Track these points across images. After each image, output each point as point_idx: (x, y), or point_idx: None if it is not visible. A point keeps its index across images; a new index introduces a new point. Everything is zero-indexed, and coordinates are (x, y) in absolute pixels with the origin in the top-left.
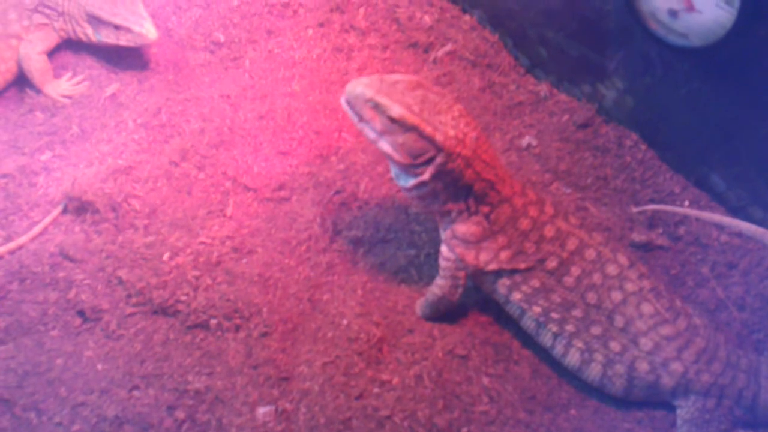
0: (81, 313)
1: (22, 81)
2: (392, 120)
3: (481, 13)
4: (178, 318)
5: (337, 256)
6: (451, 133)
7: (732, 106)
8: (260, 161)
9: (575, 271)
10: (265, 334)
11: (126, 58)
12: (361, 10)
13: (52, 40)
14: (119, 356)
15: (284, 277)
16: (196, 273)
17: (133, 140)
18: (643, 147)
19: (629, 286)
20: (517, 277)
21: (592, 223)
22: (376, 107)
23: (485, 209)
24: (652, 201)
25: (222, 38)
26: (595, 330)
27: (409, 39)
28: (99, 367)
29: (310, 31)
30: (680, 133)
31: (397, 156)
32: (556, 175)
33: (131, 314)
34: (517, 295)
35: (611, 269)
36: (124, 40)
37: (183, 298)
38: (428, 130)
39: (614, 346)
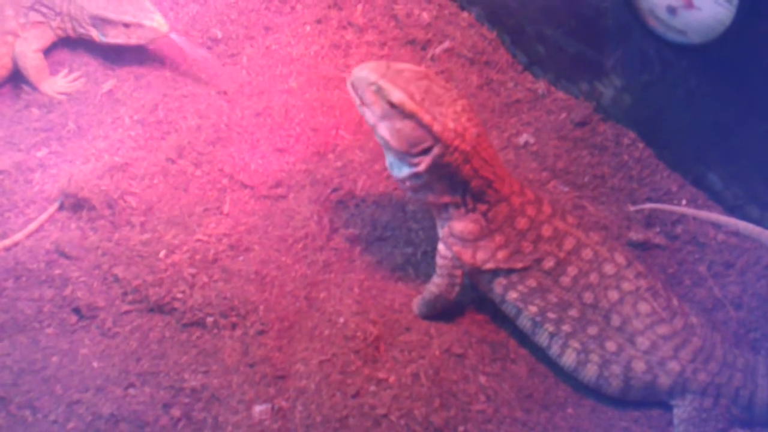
0: (77, 311)
1: (17, 77)
2: (392, 105)
3: (479, 10)
4: (174, 316)
5: (334, 254)
6: (451, 125)
7: (730, 104)
8: (257, 158)
9: (572, 270)
10: (261, 332)
11: (122, 55)
12: (359, 7)
13: (48, 38)
14: (115, 354)
15: (281, 275)
16: (193, 270)
17: (130, 137)
18: (641, 145)
19: (626, 286)
20: (514, 277)
21: (589, 222)
22: (379, 91)
23: (483, 207)
24: (649, 199)
25: (219, 34)
26: (592, 330)
27: (406, 36)
28: (94, 364)
29: (308, 28)
30: (678, 132)
31: (394, 142)
32: (554, 173)
33: (127, 312)
34: (513, 295)
35: (608, 268)
36: (134, 38)
37: (179, 295)
38: (426, 118)
39: (610, 346)
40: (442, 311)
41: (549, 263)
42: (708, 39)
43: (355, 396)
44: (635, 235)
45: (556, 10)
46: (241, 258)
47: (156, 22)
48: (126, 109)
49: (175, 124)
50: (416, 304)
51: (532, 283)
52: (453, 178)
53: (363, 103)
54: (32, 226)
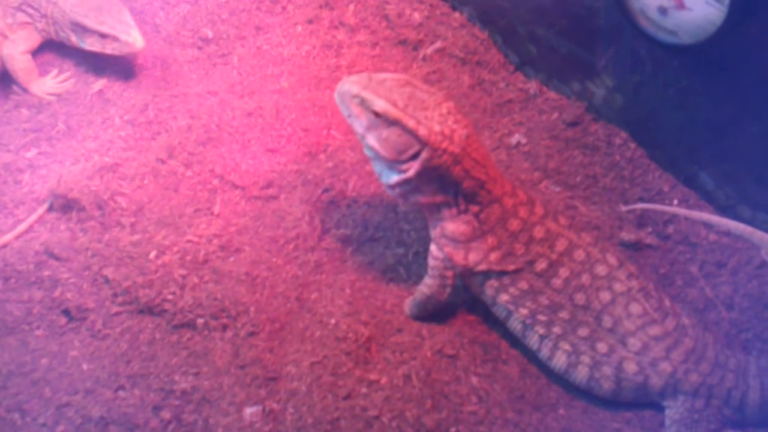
0: (66, 313)
1: (6, 77)
2: (376, 114)
3: (470, 11)
4: (164, 317)
5: (326, 254)
6: (437, 128)
7: (722, 105)
8: (248, 159)
9: (564, 272)
10: (252, 334)
11: (111, 55)
12: (351, 7)
13: (35, 39)
14: (105, 356)
15: (272, 276)
16: (183, 272)
17: (120, 137)
18: (633, 145)
19: (618, 287)
20: (506, 279)
21: (581, 222)
22: (362, 103)
23: (475, 209)
24: (641, 200)
25: (210, 34)
26: (583, 331)
27: (398, 36)
28: (84, 367)
29: (299, 28)
30: (670, 132)
31: (383, 151)
32: (546, 173)
33: (117, 313)
34: (504, 297)
35: (600, 270)
36: (109, 49)
37: (169, 297)
38: (411, 123)
39: (602, 347)
40: (434, 312)
41: (541, 265)
42: (699, 39)
43: (347, 398)
44: (627, 235)
45: (548, 10)
46: (231, 259)
47: (132, 37)
48: (116, 109)
49: (166, 124)
50: (408, 305)
51: (523, 285)
52: (444, 181)
53: (351, 116)
54: (21, 228)
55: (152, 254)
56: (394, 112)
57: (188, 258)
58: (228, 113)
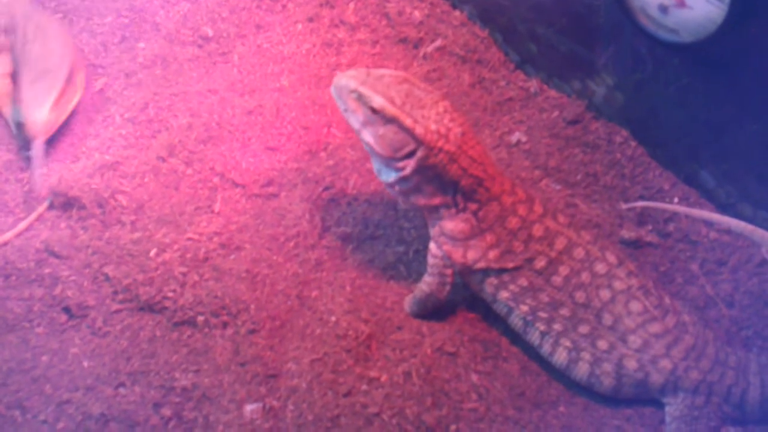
0: (67, 310)
1: None
2: (373, 111)
3: (471, 9)
4: (164, 315)
5: (326, 252)
6: (433, 127)
7: (722, 103)
8: (248, 157)
9: (564, 270)
10: (252, 331)
11: (113, 53)
12: (351, 5)
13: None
14: (105, 353)
15: (272, 274)
16: (184, 269)
17: (120, 135)
18: (633, 143)
19: (618, 285)
20: (505, 276)
21: (581, 220)
22: (359, 98)
23: (473, 206)
24: (641, 198)
25: (210, 33)
26: (583, 329)
27: (398, 34)
28: (85, 364)
29: (300, 26)
30: (670, 130)
31: (378, 148)
32: (546, 171)
33: (117, 311)
34: (504, 294)
35: (600, 268)
36: (13, 118)
37: (170, 294)
38: (408, 122)
39: (602, 344)
40: (434, 310)
41: (540, 263)
42: (700, 37)
43: (347, 395)
44: (627, 233)
45: (548, 8)
46: (232, 257)
47: (30, 119)
48: (116, 107)
49: (166, 122)
50: (408, 303)
51: (523, 282)
52: (442, 179)
53: (347, 110)
54: (22, 226)
55: (153, 252)
56: (391, 110)
57: (189, 256)
58: (228, 111)
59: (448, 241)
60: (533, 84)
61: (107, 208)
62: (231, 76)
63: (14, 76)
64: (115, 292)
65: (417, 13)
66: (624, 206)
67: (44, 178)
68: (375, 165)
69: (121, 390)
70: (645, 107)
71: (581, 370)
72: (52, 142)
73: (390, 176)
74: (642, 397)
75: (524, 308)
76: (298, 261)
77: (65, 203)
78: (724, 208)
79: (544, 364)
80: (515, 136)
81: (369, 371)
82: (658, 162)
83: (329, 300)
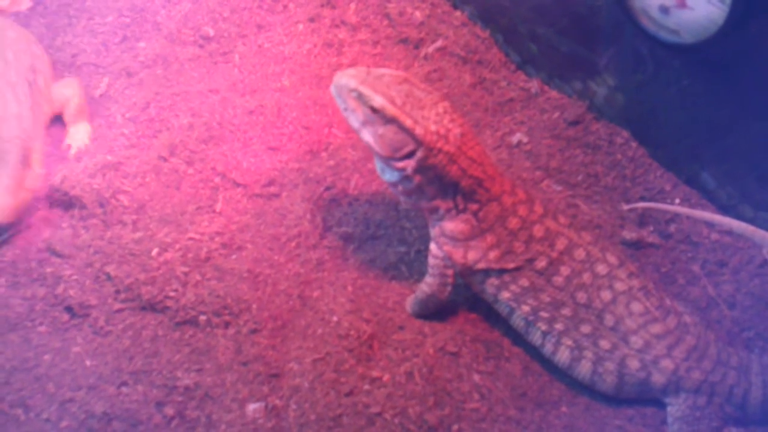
0: (69, 309)
1: None
2: (373, 110)
3: (472, 9)
4: (166, 314)
5: (327, 252)
6: (433, 128)
7: (723, 104)
8: (250, 157)
9: (565, 270)
10: (254, 331)
11: (114, 52)
12: (352, 6)
13: None
14: (107, 352)
15: (274, 274)
16: (185, 269)
17: (122, 135)
18: (634, 144)
19: (619, 286)
20: (506, 277)
21: (582, 221)
22: (359, 97)
23: (474, 207)
24: (642, 199)
25: (211, 33)
26: (585, 328)
27: (399, 35)
28: (87, 363)
29: (301, 26)
30: (671, 131)
31: (377, 147)
32: (547, 172)
33: (119, 310)
34: (505, 294)
35: (600, 268)
36: None
37: (172, 294)
38: (408, 122)
39: (604, 344)
40: (435, 311)
41: (541, 263)
42: (701, 38)
43: (349, 394)
44: (629, 234)
45: (549, 9)
46: (233, 256)
47: None
48: (117, 106)
49: (167, 122)
50: (409, 303)
51: (524, 282)
52: (442, 180)
53: (347, 109)
54: None
55: (154, 251)
56: (391, 110)
57: (190, 255)
58: (229, 111)
59: (449, 241)
60: (534, 85)
61: (108, 208)
62: (232, 75)
63: None
64: (117, 292)
65: (418, 14)
66: (625, 207)
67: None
68: (377, 165)
69: (124, 389)
70: (646, 108)
71: (584, 369)
72: (53, 141)
73: (392, 176)
74: (644, 397)
75: (526, 308)
76: (299, 261)
77: (67, 203)
78: (725, 210)
79: (546, 364)
80: (516, 137)
81: (371, 371)
82: (659, 163)
83: (331, 300)
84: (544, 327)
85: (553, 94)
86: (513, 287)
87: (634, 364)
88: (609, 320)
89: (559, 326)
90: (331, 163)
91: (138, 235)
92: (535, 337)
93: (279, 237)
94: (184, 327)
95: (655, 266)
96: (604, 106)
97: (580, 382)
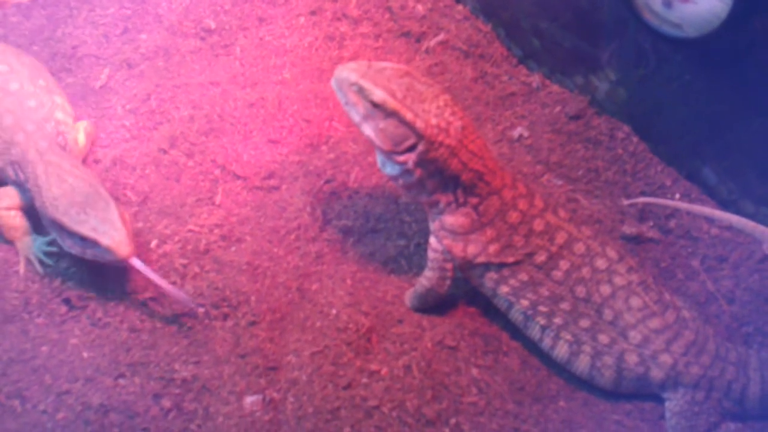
0: (67, 301)
1: None
2: (374, 104)
3: (474, 3)
4: (164, 306)
5: (327, 245)
6: (434, 121)
7: (725, 99)
8: (250, 149)
9: (564, 265)
10: (253, 323)
11: (115, 44)
12: None
13: (19, 201)
14: (105, 344)
15: (273, 266)
16: (184, 261)
17: (123, 127)
18: (635, 139)
19: (618, 280)
20: (505, 271)
21: (582, 216)
22: (360, 91)
23: (474, 201)
24: (643, 193)
25: (213, 25)
26: (584, 323)
27: (401, 28)
28: (84, 354)
29: (302, 19)
30: (673, 126)
31: (378, 141)
32: (548, 166)
33: (117, 302)
34: (504, 289)
35: (600, 263)
36: (90, 254)
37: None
38: (408, 116)
39: (603, 338)
40: (434, 304)
41: (541, 257)
42: (704, 33)
43: (347, 387)
44: (629, 229)
45: (552, 3)
46: (233, 249)
47: (114, 242)
48: (118, 98)
49: (168, 114)
50: (408, 297)
51: (523, 277)
52: (442, 173)
53: (347, 103)
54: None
55: (153, 243)
56: (392, 104)
57: (189, 247)
58: (230, 104)
59: (449, 235)
60: (536, 79)
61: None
62: (233, 68)
63: (50, 215)
64: (116, 284)
65: (420, 7)
66: (625, 202)
67: (176, 289)
68: (379, 159)
69: (121, 381)
70: (647, 103)
71: (582, 363)
72: None
73: (393, 170)
74: (642, 392)
75: (524, 303)
76: (298, 254)
77: None
78: (725, 205)
79: (545, 358)
80: (517, 131)
81: (369, 364)
82: (659, 158)
83: (330, 293)
84: (542, 321)
85: (555, 88)
86: (512, 281)
87: (632, 358)
88: (608, 315)
89: (557, 320)
90: (332, 156)
91: (138, 226)
92: (534, 332)
93: (278, 230)
94: (182, 319)
95: (654, 261)
96: (606, 101)
97: (578, 377)
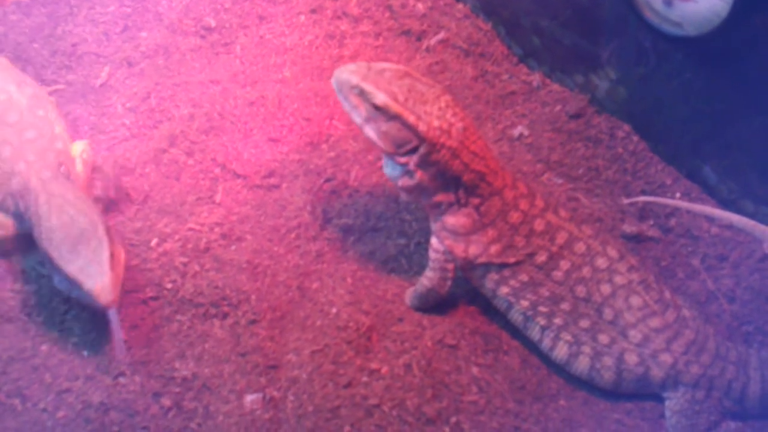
0: (67, 300)
1: None
2: (376, 108)
3: (474, 2)
4: (164, 305)
5: (327, 244)
6: (436, 123)
7: (725, 98)
8: (250, 148)
9: (564, 265)
10: (253, 322)
11: (115, 42)
12: None
13: (8, 229)
14: (105, 343)
15: (273, 265)
16: (184, 259)
17: (122, 125)
18: (636, 138)
19: (618, 279)
20: (506, 272)
21: (582, 215)
22: (362, 94)
23: (475, 201)
24: (643, 192)
25: (213, 23)
26: (584, 323)
27: (401, 27)
28: (84, 353)
29: (302, 18)
30: (673, 125)
31: (380, 144)
32: (548, 165)
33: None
34: (504, 290)
35: (600, 262)
36: (75, 293)
37: (170, 284)
38: (411, 119)
39: (603, 338)
40: (435, 304)
41: (541, 258)
42: (704, 31)
43: (347, 386)
44: (629, 228)
45: (552, 1)
46: (233, 247)
47: (97, 288)
48: (118, 96)
49: (168, 112)
50: (408, 296)
51: (524, 277)
52: (444, 174)
53: (349, 105)
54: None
55: (153, 242)
56: (395, 107)
57: (189, 246)
58: (230, 102)
59: (450, 235)
60: (536, 78)
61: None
62: (233, 66)
63: (43, 247)
64: None
65: (420, 6)
66: (626, 201)
67: (123, 344)
68: (383, 160)
69: (121, 379)
70: (648, 102)
71: (582, 364)
72: None
73: (394, 171)
74: (642, 391)
75: (524, 303)
76: (299, 252)
77: None
78: (726, 204)
79: (545, 357)
80: (517, 130)
81: (369, 363)
82: (660, 157)
83: (330, 291)
84: (542, 322)
85: (555, 87)
86: (512, 282)
87: (632, 358)
88: (608, 314)
89: (557, 321)
90: (332, 154)
91: (137, 225)
92: (534, 332)
93: (279, 228)
94: (182, 318)
95: (655, 260)
96: (606, 100)
97: (577, 378)
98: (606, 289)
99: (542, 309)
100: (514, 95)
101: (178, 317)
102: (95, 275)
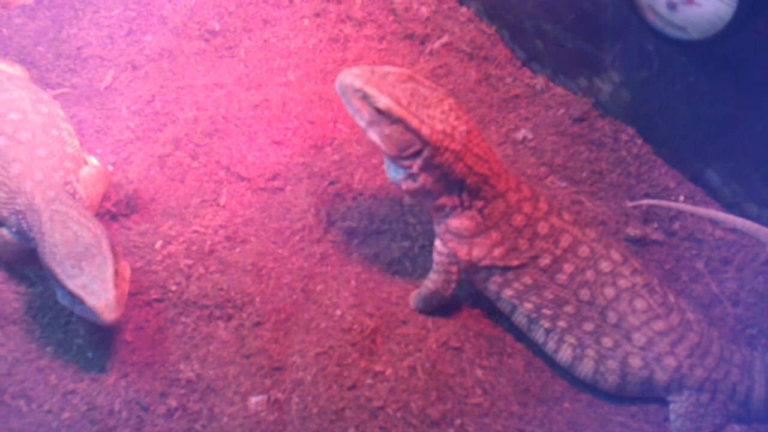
0: None
1: None
2: (379, 111)
3: (478, 5)
4: (169, 306)
5: (331, 246)
6: (439, 127)
7: (729, 101)
8: (254, 151)
9: (568, 268)
10: (257, 324)
11: (120, 45)
12: (358, 1)
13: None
14: (110, 344)
15: (277, 267)
16: (189, 262)
17: (127, 128)
18: (639, 141)
19: (622, 282)
20: (510, 275)
21: (586, 218)
22: (365, 97)
23: (479, 204)
24: (647, 196)
25: (217, 27)
26: (588, 326)
27: (405, 30)
28: (89, 354)
29: (306, 21)
30: (676, 128)
31: (384, 147)
32: (552, 168)
33: None
34: (508, 292)
35: (604, 266)
36: (78, 310)
37: (175, 287)
38: (414, 123)
39: (607, 341)
40: (439, 307)
41: (545, 260)
42: (707, 35)
43: (352, 388)
44: (633, 231)
45: (556, 5)
46: (237, 250)
47: (100, 305)
48: (123, 99)
49: (172, 115)
50: (413, 298)
51: (527, 280)
52: (448, 177)
53: (352, 108)
54: None
55: (158, 244)
56: (398, 111)
57: (194, 248)
58: (234, 105)
59: (454, 238)
60: (540, 81)
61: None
62: (237, 70)
63: (46, 262)
64: None
65: (424, 9)
66: (629, 204)
67: None
68: (385, 162)
69: (126, 381)
70: (651, 105)
71: (586, 368)
72: None
73: (397, 174)
74: (647, 395)
75: (528, 306)
76: (303, 255)
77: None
78: (729, 207)
79: (549, 360)
80: (521, 133)
81: (374, 365)
82: (663, 160)
83: (334, 294)
84: (546, 325)
85: (559, 90)
86: (516, 285)
87: (636, 362)
88: (612, 317)
89: (561, 324)
90: (336, 157)
91: (142, 227)
92: (538, 335)
93: (283, 231)
94: (187, 320)
95: (658, 263)
96: (610, 103)
97: (582, 381)
98: (610, 292)
99: (546, 312)
100: (517, 98)
101: (183, 319)
102: (99, 292)
